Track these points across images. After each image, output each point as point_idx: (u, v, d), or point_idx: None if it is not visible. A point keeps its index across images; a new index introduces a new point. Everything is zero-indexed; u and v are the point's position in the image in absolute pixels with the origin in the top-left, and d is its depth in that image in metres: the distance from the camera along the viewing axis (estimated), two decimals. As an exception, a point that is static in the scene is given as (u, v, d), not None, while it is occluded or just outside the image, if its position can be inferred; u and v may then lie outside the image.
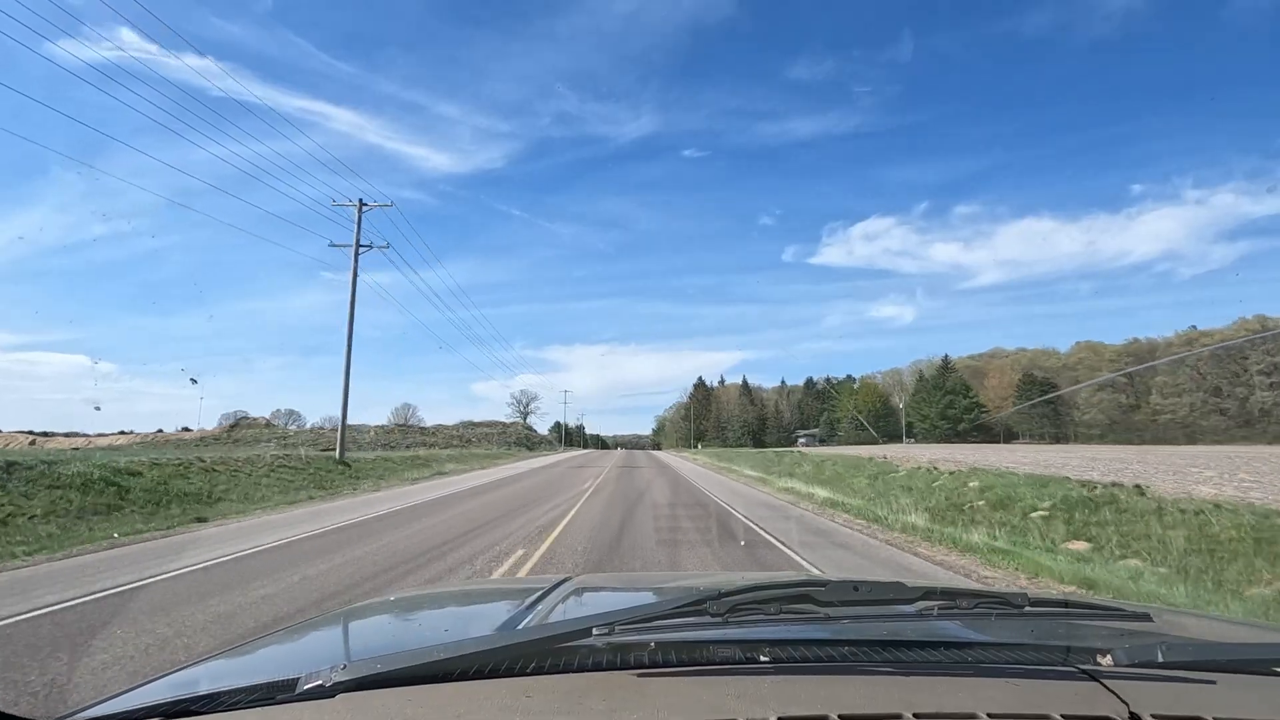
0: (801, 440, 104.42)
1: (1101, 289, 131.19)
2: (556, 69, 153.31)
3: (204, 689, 0.99)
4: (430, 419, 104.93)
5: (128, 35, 56.60)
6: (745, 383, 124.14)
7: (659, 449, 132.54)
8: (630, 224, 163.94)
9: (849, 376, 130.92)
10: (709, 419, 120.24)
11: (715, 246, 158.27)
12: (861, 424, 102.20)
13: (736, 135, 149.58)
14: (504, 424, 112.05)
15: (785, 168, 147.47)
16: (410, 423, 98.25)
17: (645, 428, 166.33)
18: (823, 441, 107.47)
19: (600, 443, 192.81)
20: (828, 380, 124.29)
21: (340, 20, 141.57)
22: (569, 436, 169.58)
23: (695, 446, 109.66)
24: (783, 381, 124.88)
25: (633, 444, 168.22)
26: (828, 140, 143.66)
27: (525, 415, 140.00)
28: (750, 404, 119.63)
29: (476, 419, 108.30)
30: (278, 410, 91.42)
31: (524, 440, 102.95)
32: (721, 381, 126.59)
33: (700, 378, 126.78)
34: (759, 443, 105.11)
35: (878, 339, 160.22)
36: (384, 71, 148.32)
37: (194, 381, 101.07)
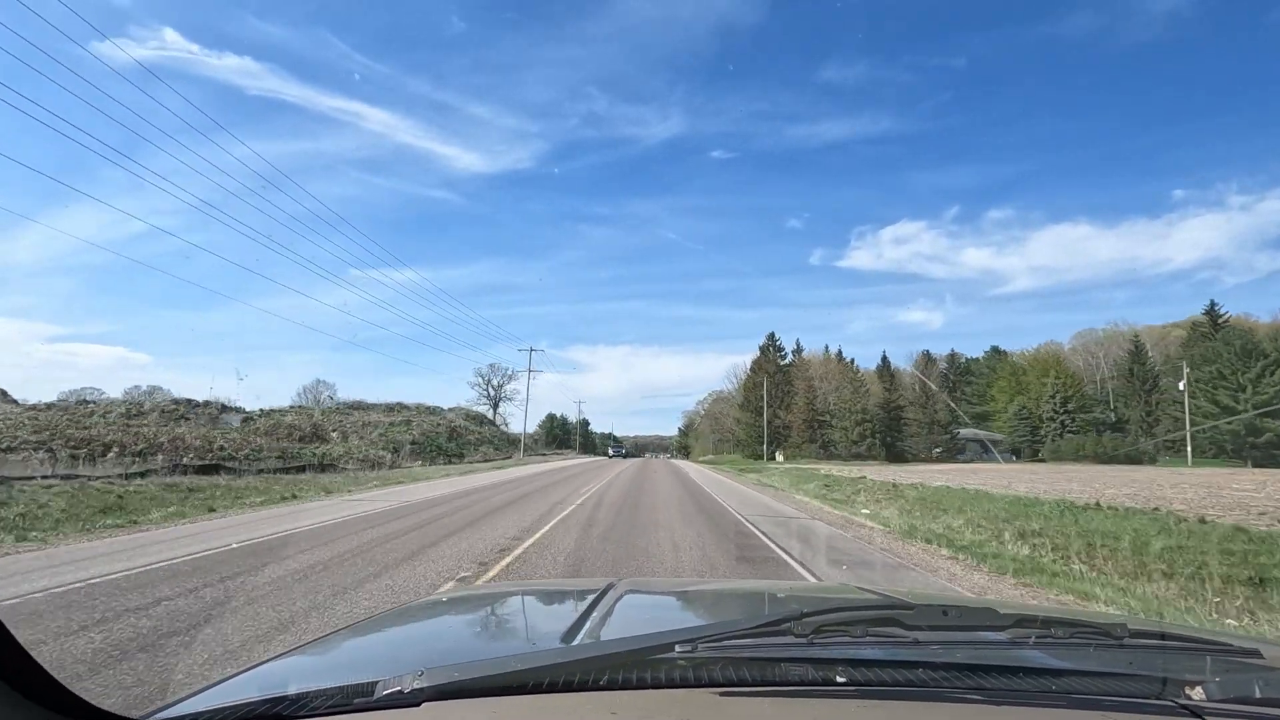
0: (973, 446, 59.24)
1: (1139, 298, 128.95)
2: (586, 71, 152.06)
3: (292, 690, 1.00)
4: (369, 396, 62.95)
5: (171, 35, 79.69)
6: (886, 360, 73.00)
7: (687, 455, 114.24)
8: (656, 226, 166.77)
9: (954, 354, 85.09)
10: (792, 405, 69.08)
11: (741, 249, 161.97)
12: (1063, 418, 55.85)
13: (765, 138, 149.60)
14: (466, 414, 67.34)
15: (814, 170, 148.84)
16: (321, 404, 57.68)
17: (668, 428, 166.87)
18: (1015, 453, 61.55)
19: (617, 446, 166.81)
20: (951, 361, 77.86)
21: (378, 23, 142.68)
22: (562, 436, 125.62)
23: (772, 457, 62.29)
24: (884, 361, 77.76)
25: (654, 447, 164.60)
26: (858, 143, 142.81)
27: (496, 403, 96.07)
28: (890, 386, 67.73)
29: (411, 401, 63.21)
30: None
31: (484, 439, 58.52)
32: (798, 350, 79.59)
33: (772, 335, 78.74)
34: (895, 453, 59.35)
35: (898, 344, 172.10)
36: (417, 72, 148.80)
37: (241, 379, 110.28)
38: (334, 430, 43.27)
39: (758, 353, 77.81)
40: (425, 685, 0.92)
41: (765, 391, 66.59)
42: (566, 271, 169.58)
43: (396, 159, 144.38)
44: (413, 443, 44.07)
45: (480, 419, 67.82)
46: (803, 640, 1.05)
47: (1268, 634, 5.62)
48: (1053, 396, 61.46)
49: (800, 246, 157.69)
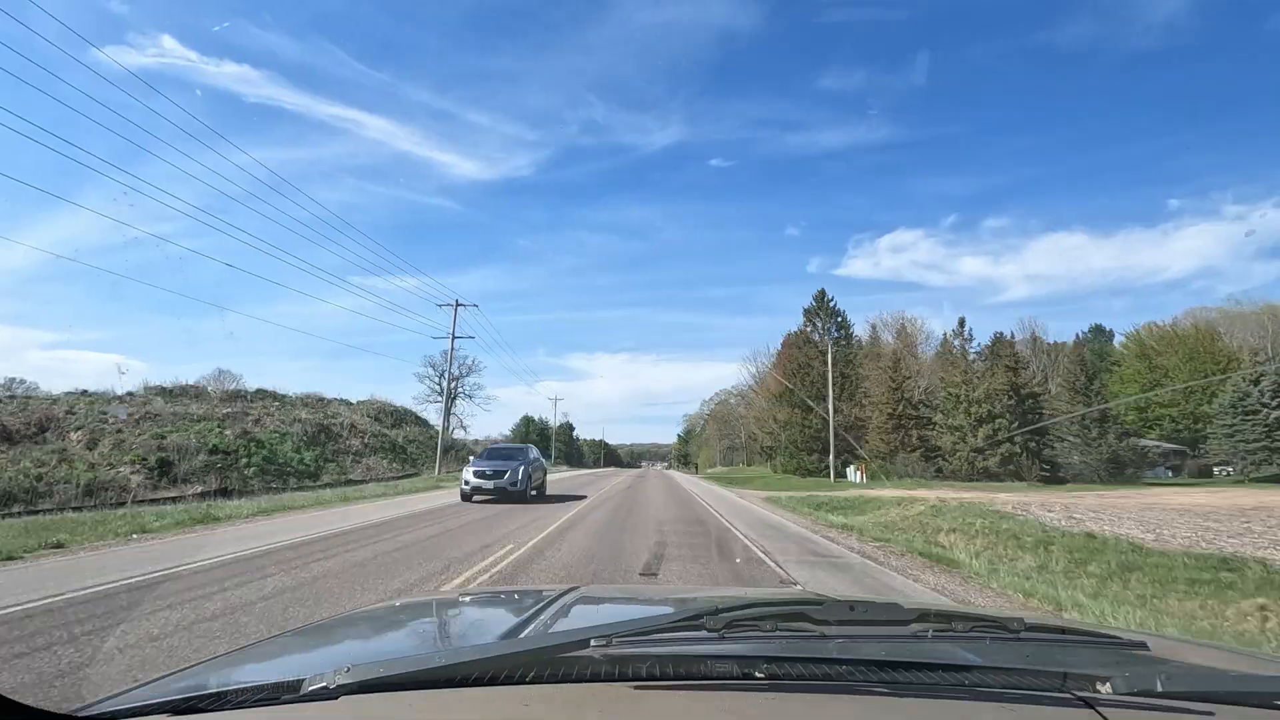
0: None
1: (1135, 306, 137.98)
2: (586, 78, 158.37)
3: (213, 687, 1.01)
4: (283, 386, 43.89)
5: (169, 42, 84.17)
6: (1001, 337, 48.70)
7: (687, 464, 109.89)
8: (655, 233, 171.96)
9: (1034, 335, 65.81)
10: (856, 395, 49.48)
11: (739, 257, 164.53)
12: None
13: (764, 145, 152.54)
14: (382, 409, 48.32)
15: (813, 178, 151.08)
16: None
17: (665, 436, 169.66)
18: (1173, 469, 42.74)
19: (610, 456, 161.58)
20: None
21: (375, 30, 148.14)
22: (540, 444, 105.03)
23: (841, 473, 40.79)
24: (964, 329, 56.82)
25: (651, 455, 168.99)
26: (856, 151, 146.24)
27: (452, 396, 77.10)
28: (1014, 365, 43.24)
29: (331, 394, 43.90)
30: None
31: (394, 446, 39.52)
32: (845, 325, 59.77)
33: (822, 294, 57.32)
34: (1040, 468, 39.09)
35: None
36: (416, 80, 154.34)
37: (123, 373, 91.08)
38: (76, 428, 24.27)
39: (802, 320, 57.81)
40: (349, 680, 0.94)
41: (830, 367, 43.94)
42: (565, 278, 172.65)
43: (395, 167, 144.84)
44: (221, 451, 24.98)
45: (404, 419, 48.63)
46: (715, 635, 1.10)
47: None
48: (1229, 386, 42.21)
49: (798, 254, 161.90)
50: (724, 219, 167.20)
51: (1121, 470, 38.18)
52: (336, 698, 0.93)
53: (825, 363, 45.41)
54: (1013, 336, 52.68)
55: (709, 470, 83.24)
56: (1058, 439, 40.98)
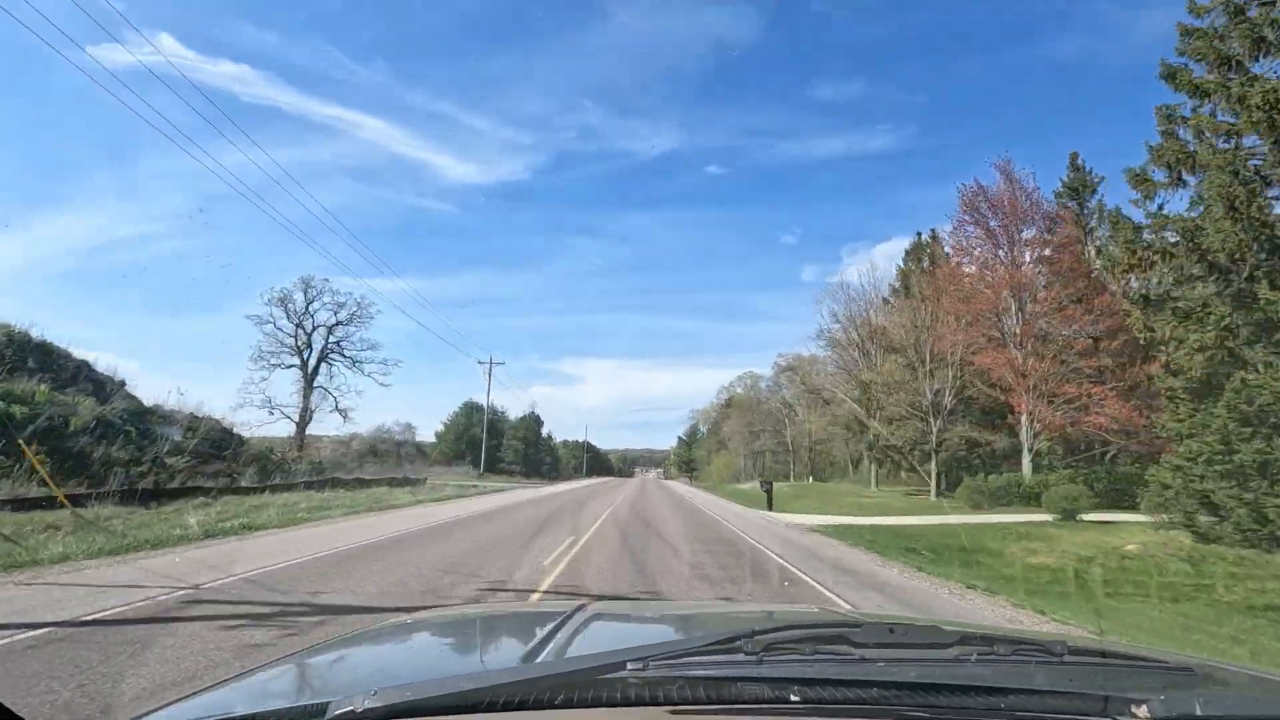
0: None
1: None
2: (581, 84, 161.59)
3: (239, 712, 1.02)
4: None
5: (167, 41, 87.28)
6: None
7: (691, 475, 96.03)
8: (649, 239, 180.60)
9: None
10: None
11: (733, 264, 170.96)
12: None
13: (759, 153, 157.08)
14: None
15: (807, 187, 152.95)
16: None
17: (658, 442, 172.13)
18: None
19: (598, 463, 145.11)
20: None
21: (373, 32, 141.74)
22: (491, 443, 69.12)
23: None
24: None
25: (644, 461, 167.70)
26: (851, 161, 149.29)
27: (312, 371, 47.69)
28: None
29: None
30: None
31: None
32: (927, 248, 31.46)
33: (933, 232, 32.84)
34: None
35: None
36: (413, 82, 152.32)
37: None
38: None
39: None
40: (378, 705, 0.92)
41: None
42: (558, 283, 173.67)
43: (390, 168, 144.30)
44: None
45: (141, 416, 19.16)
46: (753, 658, 1.07)
47: None
48: None
49: (793, 262, 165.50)
50: (718, 226, 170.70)
51: None
52: None
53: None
54: None
55: (733, 488, 53.47)
56: None
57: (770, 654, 1.08)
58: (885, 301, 39.63)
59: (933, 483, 30.21)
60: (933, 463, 30.30)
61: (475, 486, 37.25)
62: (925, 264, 34.05)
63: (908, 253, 38.54)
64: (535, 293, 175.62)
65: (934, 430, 29.89)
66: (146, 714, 1.05)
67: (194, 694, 1.18)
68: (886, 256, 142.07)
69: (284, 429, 45.87)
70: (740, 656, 1.07)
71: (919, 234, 38.71)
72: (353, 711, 0.91)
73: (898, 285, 39.36)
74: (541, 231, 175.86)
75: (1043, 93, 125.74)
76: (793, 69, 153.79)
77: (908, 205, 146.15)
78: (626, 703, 0.97)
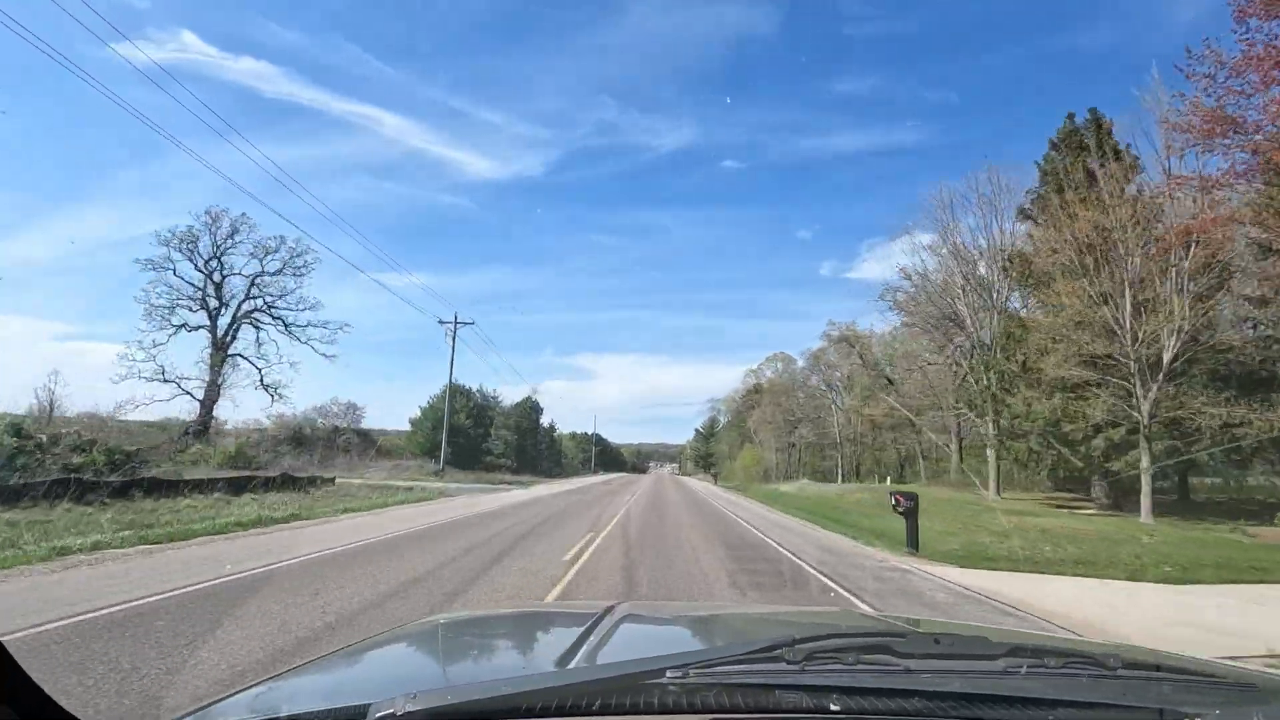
0: None
1: None
2: (599, 80, 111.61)
3: (283, 713, 1.03)
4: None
5: (189, 37, 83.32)
6: None
7: (710, 472, 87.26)
8: (665, 235, 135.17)
9: None
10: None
11: (750, 260, 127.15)
12: None
13: (778, 148, 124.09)
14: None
15: (826, 182, 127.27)
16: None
17: (672, 437, 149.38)
18: None
19: (609, 458, 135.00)
20: None
21: (393, 30, 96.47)
22: (474, 432, 54.29)
23: None
24: None
25: (659, 456, 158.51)
26: (871, 155, 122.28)
27: (223, 342, 36.58)
28: None
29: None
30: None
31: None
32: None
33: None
34: None
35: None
36: (431, 79, 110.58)
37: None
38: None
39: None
40: (417, 709, 0.92)
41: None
42: (575, 279, 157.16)
43: (408, 164, 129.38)
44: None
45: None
46: (795, 667, 1.06)
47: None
48: None
49: (810, 258, 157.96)
50: (735, 222, 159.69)
51: None
52: None
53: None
54: None
55: (772, 489, 41.61)
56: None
57: (812, 663, 1.06)
58: (1027, 217, 27.46)
59: (1145, 490, 18.20)
60: (1144, 457, 18.30)
61: (413, 489, 25.72)
62: (1096, 162, 22.04)
63: (1054, 145, 26.25)
64: (552, 289, 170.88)
65: (1145, 402, 18.08)
66: (189, 713, 1.06)
67: (235, 693, 1.18)
68: (906, 252, 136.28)
69: (184, 407, 34.80)
70: (782, 665, 1.05)
71: (1070, 115, 26.42)
72: (393, 714, 0.90)
73: (1029, 207, 27.38)
74: (559, 228, 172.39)
75: (1071, 83, 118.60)
76: (812, 64, 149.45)
77: (928, 198, 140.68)
78: (665, 710, 0.96)
